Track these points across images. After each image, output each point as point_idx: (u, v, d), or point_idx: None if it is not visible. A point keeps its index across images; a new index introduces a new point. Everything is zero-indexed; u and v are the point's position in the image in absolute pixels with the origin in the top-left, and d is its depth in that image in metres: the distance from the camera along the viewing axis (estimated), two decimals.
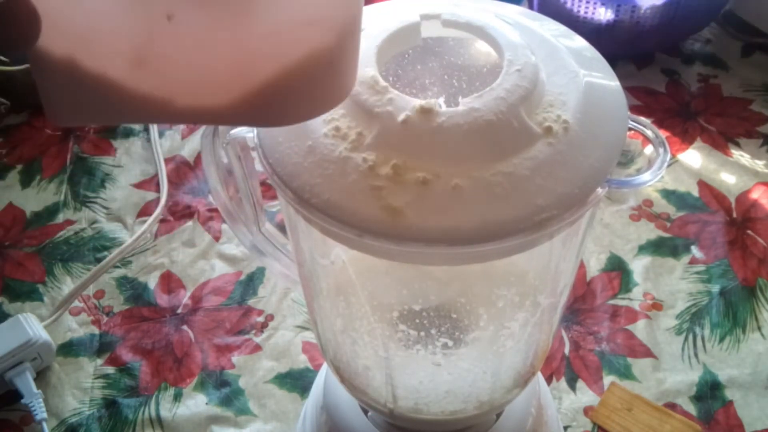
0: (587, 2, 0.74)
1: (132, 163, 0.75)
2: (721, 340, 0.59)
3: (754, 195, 0.69)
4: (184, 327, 0.62)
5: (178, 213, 0.70)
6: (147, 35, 0.23)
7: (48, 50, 0.24)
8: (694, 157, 0.72)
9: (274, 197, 0.68)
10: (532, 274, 0.37)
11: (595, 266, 0.64)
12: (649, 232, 0.66)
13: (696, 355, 0.58)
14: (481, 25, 0.32)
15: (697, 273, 0.63)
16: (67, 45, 0.24)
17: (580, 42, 0.33)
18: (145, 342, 0.61)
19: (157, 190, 0.72)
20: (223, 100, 0.25)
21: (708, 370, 0.57)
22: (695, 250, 0.65)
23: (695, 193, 0.69)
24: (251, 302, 0.63)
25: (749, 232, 0.66)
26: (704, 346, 0.59)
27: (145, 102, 0.25)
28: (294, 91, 0.26)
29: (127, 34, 0.24)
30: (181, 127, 0.78)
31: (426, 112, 0.28)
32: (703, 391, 0.56)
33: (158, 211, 0.69)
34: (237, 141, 0.38)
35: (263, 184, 0.51)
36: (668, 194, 0.69)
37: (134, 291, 0.64)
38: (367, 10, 0.34)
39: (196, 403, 0.57)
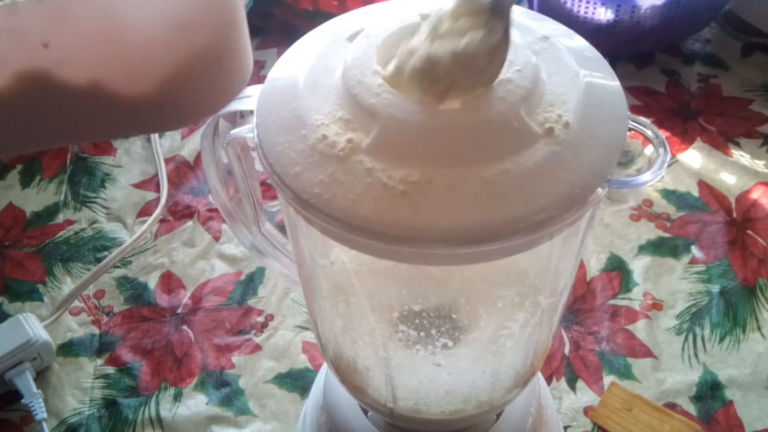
0: (587, 2, 0.74)
1: (132, 163, 0.75)
2: (721, 340, 0.59)
3: (754, 195, 0.69)
4: (184, 327, 0.62)
5: (178, 213, 0.70)
6: (28, 58, 0.26)
7: None
8: (694, 157, 0.72)
9: (274, 197, 0.68)
10: (532, 274, 0.37)
11: (595, 266, 0.64)
12: (649, 232, 0.66)
13: (696, 355, 0.58)
14: None
15: (697, 273, 0.63)
16: None
17: (580, 42, 0.33)
18: (145, 342, 0.61)
19: (157, 190, 0.72)
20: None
21: (708, 370, 0.57)
22: (695, 250, 0.65)
23: (695, 193, 0.69)
24: (251, 302, 0.63)
25: (749, 232, 0.66)
26: (704, 346, 0.59)
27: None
28: (184, 91, 0.28)
29: (9, 57, 0.26)
30: None
31: (426, 112, 0.28)
32: (703, 391, 0.56)
33: (158, 211, 0.69)
34: (237, 141, 0.38)
35: (263, 184, 0.51)
36: (668, 194, 0.69)
37: (134, 291, 0.64)
38: (368, 10, 0.34)
39: (196, 403, 0.57)
